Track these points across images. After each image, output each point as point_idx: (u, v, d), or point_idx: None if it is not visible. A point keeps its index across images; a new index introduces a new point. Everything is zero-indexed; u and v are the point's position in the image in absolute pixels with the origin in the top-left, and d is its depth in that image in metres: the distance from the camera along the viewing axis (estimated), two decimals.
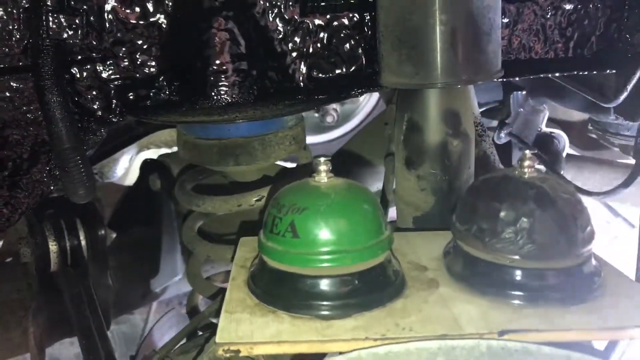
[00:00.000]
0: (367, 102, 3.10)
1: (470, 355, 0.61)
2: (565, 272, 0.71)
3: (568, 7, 1.06)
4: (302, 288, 0.71)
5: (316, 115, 3.03)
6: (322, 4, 0.97)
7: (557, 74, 1.09)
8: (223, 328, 0.66)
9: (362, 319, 0.69)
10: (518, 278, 0.72)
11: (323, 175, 0.75)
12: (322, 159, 0.75)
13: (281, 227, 0.71)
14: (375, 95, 2.90)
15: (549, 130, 1.75)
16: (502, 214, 0.71)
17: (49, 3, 0.82)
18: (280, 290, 0.72)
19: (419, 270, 0.80)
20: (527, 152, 0.75)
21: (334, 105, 2.99)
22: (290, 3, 0.95)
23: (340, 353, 0.64)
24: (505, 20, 1.03)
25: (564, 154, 1.77)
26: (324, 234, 0.70)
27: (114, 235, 1.27)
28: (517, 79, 1.44)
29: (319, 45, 0.98)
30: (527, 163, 0.75)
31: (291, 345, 0.64)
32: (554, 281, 0.71)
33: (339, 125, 3.16)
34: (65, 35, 0.85)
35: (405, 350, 0.60)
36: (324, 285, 0.71)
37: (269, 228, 0.73)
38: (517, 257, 0.71)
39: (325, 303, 0.70)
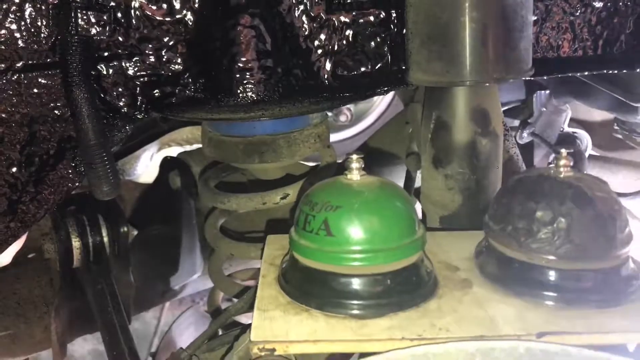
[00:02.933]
0: (381, 102, 3.09)
1: (509, 356, 0.60)
2: (602, 274, 0.70)
3: (598, 4, 1.04)
4: (335, 287, 0.71)
5: (329, 114, 3.02)
6: (348, 1, 0.96)
7: (585, 73, 1.08)
8: (257, 326, 0.66)
9: (396, 319, 0.68)
10: (554, 279, 0.71)
11: (355, 173, 0.74)
12: (354, 157, 0.74)
13: (314, 225, 0.70)
14: (389, 95, 2.89)
15: (571, 130, 1.74)
16: (539, 213, 0.70)
17: (77, 0, 0.82)
18: (313, 289, 0.71)
19: (450, 270, 0.79)
20: (563, 151, 0.74)
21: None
22: (317, 0, 0.94)
23: (375, 353, 0.63)
24: (534, 17, 1.02)
25: (587, 154, 1.75)
26: (358, 232, 0.70)
27: (136, 232, 1.27)
28: (544, 77, 1.43)
29: (344, 42, 0.97)
30: (562, 162, 0.73)
31: (327, 345, 0.63)
32: (590, 283, 0.70)
33: (353, 124, 3.16)
34: (93, 32, 0.85)
35: (444, 351, 0.59)
36: (358, 284, 0.70)
37: (301, 226, 0.73)
38: (553, 257, 0.70)
39: (359, 302, 0.69)
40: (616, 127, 1.61)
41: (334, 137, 3.11)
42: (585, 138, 1.74)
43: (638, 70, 1.07)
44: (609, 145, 1.86)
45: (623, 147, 1.74)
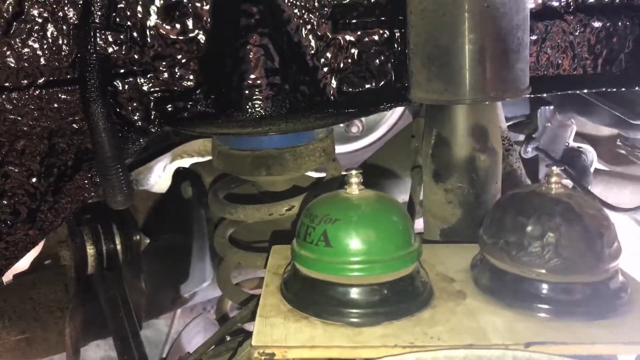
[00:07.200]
0: (392, 114, 3.11)
1: None
2: (591, 287, 0.73)
3: (597, 24, 1.07)
4: (334, 295, 0.74)
5: (341, 125, 3.05)
6: (354, 21, 1.00)
7: (585, 91, 1.10)
8: (259, 332, 0.69)
9: (391, 328, 0.71)
10: (544, 291, 0.73)
11: (354, 188, 0.78)
12: (353, 172, 0.78)
13: (314, 237, 0.74)
14: (400, 108, 2.91)
15: (576, 144, 1.75)
16: (529, 228, 0.73)
17: (97, 20, 0.87)
18: (312, 297, 0.75)
19: (446, 282, 0.82)
20: (554, 168, 0.76)
21: None
22: (323, 20, 0.98)
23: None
24: (534, 37, 1.05)
25: (592, 169, 1.76)
26: (355, 244, 0.73)
27: (148, 240, 1.31)
28: (544, 95, 1.45)
29: (349, 60, 1.01)
30: (554, 179, 0.76)
31: (324, 350, 0.66)
32: (580, 296, 0.73)
33: (364, 135, 3.18)
34: (110, 50, 0.89)
35: (433, 358, 0.62)
36: (355, 293, 0.73)
37: (302, 237, 0.76)
38: (543, 270, 0.73)
39: (355, 311, 0.73)
40: (619, 143, 1.62)
41: (345, 148, 3.14)
42: (590, 152, 1.75)
43: (637, 88, 1.10)
44: (615, 160, 1.86)
45: (629, 162, 1.74)
